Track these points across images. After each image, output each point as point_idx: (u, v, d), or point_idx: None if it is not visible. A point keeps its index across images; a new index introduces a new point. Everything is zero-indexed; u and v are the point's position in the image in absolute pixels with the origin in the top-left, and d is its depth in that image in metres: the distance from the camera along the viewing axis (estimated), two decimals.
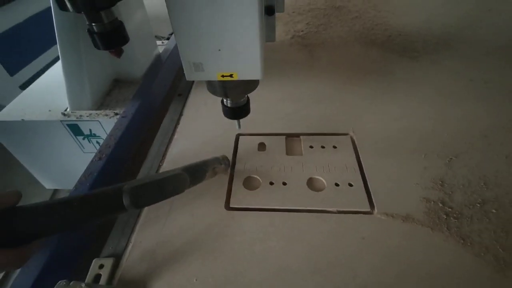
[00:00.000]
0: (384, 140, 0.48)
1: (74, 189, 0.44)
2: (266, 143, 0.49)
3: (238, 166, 0.46)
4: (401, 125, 0.50)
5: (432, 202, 0.38)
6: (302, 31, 0.82)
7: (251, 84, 0.37)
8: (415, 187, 0.41)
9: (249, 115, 0.42)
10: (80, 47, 0.62)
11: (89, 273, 0.35)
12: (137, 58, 0.73)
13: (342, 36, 0.79)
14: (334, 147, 0.47)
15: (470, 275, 0.32)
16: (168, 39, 1.05)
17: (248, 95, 0.41)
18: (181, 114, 0.58)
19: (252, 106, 0.41)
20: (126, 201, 0.30)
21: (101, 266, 0.36)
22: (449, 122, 0.50)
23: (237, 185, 0.43)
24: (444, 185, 0.41)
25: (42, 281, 0.34)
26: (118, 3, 0.36)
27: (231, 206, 0.40)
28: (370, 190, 0.41)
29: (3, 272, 0.98)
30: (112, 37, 0.37)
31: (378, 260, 0.33)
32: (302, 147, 0.48)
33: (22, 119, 0.65)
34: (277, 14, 0.89)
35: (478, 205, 0.38)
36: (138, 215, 0.41)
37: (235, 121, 0.43)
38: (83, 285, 0.30)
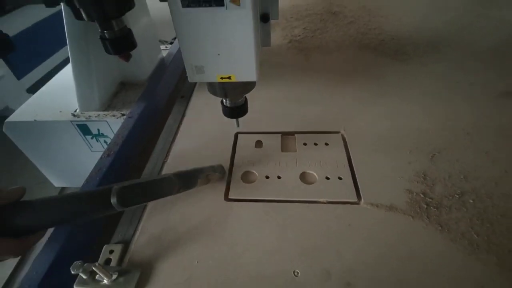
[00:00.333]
0: (373, 138, 0.51)
1: (85, 183, 0.48)
2: (263, 141, 0.53)
3: (236, 161, 0.49)
4: (389, 124, 0.53)
5: (415, 194, 0.42)
6: (299, 35, 0.86)
7: (248, 86, 0.41)
8: (399, 180, 0.44)
9: (247, 115, 0.45)
10: (89, 52, 0.66)
11: (100, 258, 0.39)
12: (143, 62, 0.77)
13: (337, 40, 0.82)
14: (326, 144, 0.51)
15: (445, 257, 0.35)
16: (171, 43, 1.09)
17: (246, 95, 0.44)
18: (183, 115, 0.62)
19: (250, 106, 0.45)
20: (113, 200, 0.33)
21: (111, 252, 0.40)
22: (435, 121, 0.53)
23: (236, 179, 0.46)
24: (426, 178, 0.44)
25: (58, 263, 0.38)
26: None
27: (229, 197, 0.44)
28: (358, 183, 0.44)
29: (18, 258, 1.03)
30: (122, 43, 0.41)
31: (362, 244, 0.37)
32: (296, 144, 0.51)
33: (35, 119, 0.70)
34: (274, 20, 0.94)
35: (457, 196, 0.41)
36: (144, 206, 0.44)
37: (234, 120, 0.46)
38: (97, 264, 0.33)
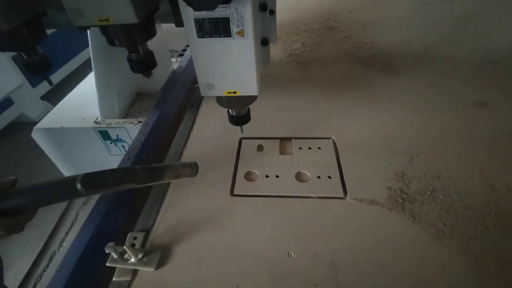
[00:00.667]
0: (359, 143, 0.58)
1: None
2: (263, 145, 0.60)
3: (240, 163, 0.57)
4: (374, 130, 0.61)
5: (393, 190, 0.49)
6: (297, 50, 0.94)
7: (250, 99, 0.48)
8: (381, 179, 0.51)
9: (250, 122, 0.53)
10: (111, 67, 0.74)
11: (125, 243, 0.46)
12: (156, 74, 0.85)
13: (332, 54, 0.90)
14: (319, 148, 0.58)
15: (415, 242, 0.42)
16: (181, 55, 1.18)
17: (249, 106, 0.52)
18: (194, 122, 0.70)
19: (252, 114, 0.52)
20: (78, 186, 0.36)
21: (134, 238, 0.47)
22: (415, 128, 0.60)
23: (240, 177, 0.54)
24: (404, 177, 0.51)
25: (92, 246, 0.46)
26: None
27: (234, 193, 0.51)
28: (345, 181, 0.51)
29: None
30: (146, 64, 0.49)
31: (346, 231, 0.44)
32: (293, 148, 0.59)
33: (61, 126, 0.78)
34: (276, 35, 1.02)
35: (429, 192, 0.48)
36: (162, 201, 0.52)
37: (239, 127, 0.54)
38: (127, 244, 0.41)
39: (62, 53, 2.41)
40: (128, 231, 0.49)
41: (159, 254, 0.43)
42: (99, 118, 0.80)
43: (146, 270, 0.42)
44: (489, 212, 0.45)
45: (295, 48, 0.95)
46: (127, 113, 0.82)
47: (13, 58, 1.87)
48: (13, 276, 1.23)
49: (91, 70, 0.76)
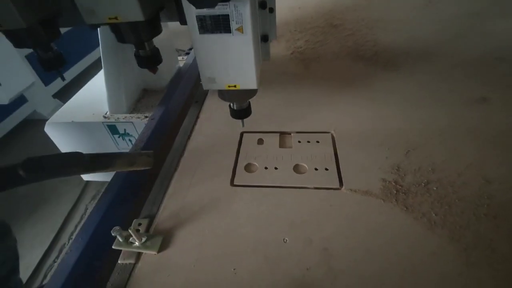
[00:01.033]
0: (358, 137, 0.60)
1: (115, 176, 0.59)
2: (264, 139, 0.62)
3: (241, 155, 0.59)
4: (373, 125, 0.62)
5: (388, 182, 0.50)
6: (301, 47, 0.96)
7: (251, 93, 0.50)
8: (376, 171, 0.52)
9: (251, 117, 0.55)
10: (119, 65, 0.78)
11: (130, 229, 0.49)
12: (162, 71, 0.88)
13: (336, 51, 0.92)
14: (318, 142, 0.60)
15: (407, 231, 0.43)
16: (187, 54, 1.21)
17: (250, 100, 0.54)
18: (197, 117, 0.72)
19: (253, 109, 0.54)
20: (19, 169, 0.35)
21: (139, 224, 0.50)
22: (413, 123, 0.61)
23: (240, 169, 0.56)
24: (399, 170, 0.52)
25: (100, 228, 0.48)
26: None
27: (234, 183, 0.53)
28: (341, 173, 0.53)
29: None
30: (152, 60, 0.52)
31: (340, 220, 0.45)
32: (292, 142, 0.61)
33: (72, 121, 0.82)
34: (280, 32, 1.04)
35: (423, 184, 0.49)
36: (166, 190, 0.55)
37: (240, 121, 0.56)
38: (131, 228, 0.43)
39: (75, 52, 2.48)
40: (134, 218, 0.52)
41: (161, 238, 0.45)
42: (108, 113, 0.83)
43: (149, 253, 0.44)
44: (482, 204, 0.46)
45: (298, 45, 0.97)
46: (134, 109, 0.85)
47: (27, 57, 1.94)
48: (25, 267, 1.28)
49: (101, 68, 0.80)
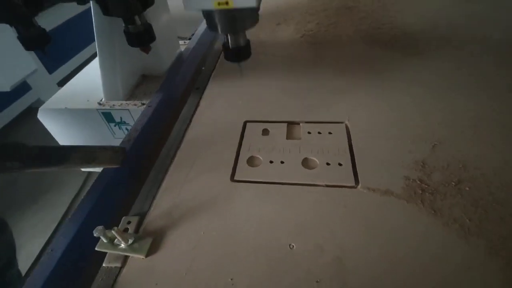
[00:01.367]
0: (376, 128, 0.53)
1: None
2: (269, 129, 0.56)
3: (243, 147, 0.53)
4: (393, 115, 0.55)
5: (411, 180, 0.43)
6: (311, 30, 0.88)
7: (249, 17, 0.37)
8: (398, 167, 0.46)
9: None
10: (115, 47, 0.71)
11: (114, 228, 0.44)
12: (162, 56, 0.82)
13: (349, 34, 0.83)
14: (330, 133, 0.53)
15: (435, 239, 0.37)
16: (189, 39, 1.14)
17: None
18: (198, 105, 0.66)
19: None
20: None
21: (128, 222, 0.45)
22: (440, 112, 0.54)
23: (242, 162, 0.50)
24: (425, 166, 0.45)
25: (83, 231, 0.43)
26: (147, 9, 0.45)
27: (235, 179, 0.48)
28: (357, 169, 0.46)
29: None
30: (143, 36, 0.46)
31: (356, 224, 0.39)
32: (301, 133, 0.54)
33: (65, 107, 0.77)
34: (290, 15, 0.96)
35: (454, 183, 0.42)
36: (160, 185, 0.49)
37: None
38: (116, 228, 0.38)
39: (79, 39, 2.44)
40: (124, 215, 0.46)
41: (150, 241, 0.40)
42: (103, 100, 0.78)
43: (137, 257, 0.39)
44: None
45: (309, 28, 0.89)
46: (131, 95, 0.79)
47: None
48: (26, 256, 1.27)
49: None
